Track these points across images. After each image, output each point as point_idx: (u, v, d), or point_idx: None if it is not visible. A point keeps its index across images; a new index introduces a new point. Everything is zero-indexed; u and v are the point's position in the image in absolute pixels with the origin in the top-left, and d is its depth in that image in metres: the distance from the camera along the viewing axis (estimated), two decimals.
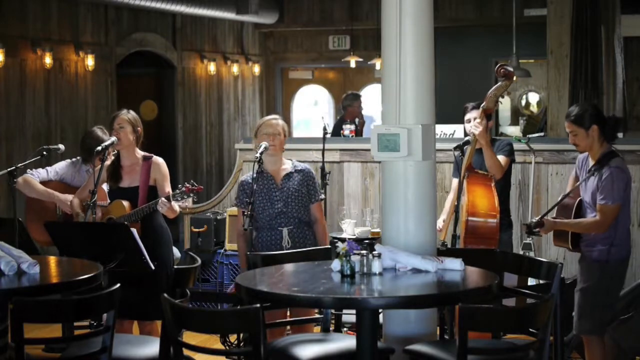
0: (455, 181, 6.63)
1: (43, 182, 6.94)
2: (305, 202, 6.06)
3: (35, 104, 10.10)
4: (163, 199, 5.85)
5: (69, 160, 7.11)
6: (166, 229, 6.08)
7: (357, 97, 11.78)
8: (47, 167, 7.05)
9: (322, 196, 6.19)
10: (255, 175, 6.14)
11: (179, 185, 5.92)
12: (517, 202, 7.78)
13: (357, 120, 11.20)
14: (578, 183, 5.77)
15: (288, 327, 6.23)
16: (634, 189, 7.57)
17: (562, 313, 5.47)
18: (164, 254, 5.96)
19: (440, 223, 6.48)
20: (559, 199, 5.95)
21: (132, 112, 6.18)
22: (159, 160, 6.10)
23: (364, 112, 11.75)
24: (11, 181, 6.27)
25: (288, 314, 6.15)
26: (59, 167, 7.05)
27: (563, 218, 5.78)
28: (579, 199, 5.77)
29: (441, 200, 6.79)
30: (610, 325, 5.84)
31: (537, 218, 5.72)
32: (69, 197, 6.68)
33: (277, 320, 5.43)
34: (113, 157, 6.21)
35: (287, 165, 6.14)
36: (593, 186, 5.62)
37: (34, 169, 6.99)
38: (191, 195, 5.85)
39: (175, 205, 5.88)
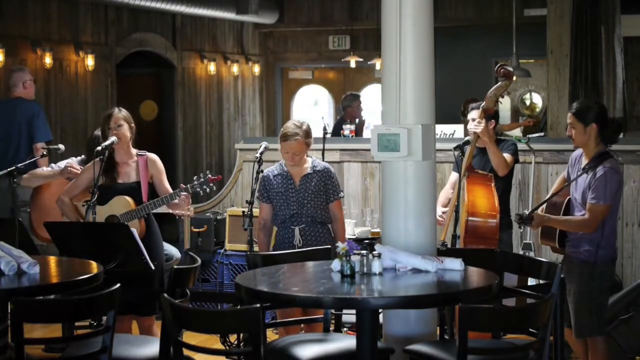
0: (454, 175, 6.62)
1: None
2: (321, 202, 6.05)
3: None
4: (182, 191, 5.90)
5: (74, 158, 7.13)
6: (156, 227, 6.12)
7: (356, 98, 11.79)
8: (52, 164, 7.06)
9: (342, 194, 6.21)
10: (256, 175, 6.16)
11: (200, 174, 5.99)
12: (517, 202, 7.77)
13: (357, 120, 11.24)
14: (570, 182, 5.76)
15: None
16: (633, 188, 7.58)
17: (562, 313, 5.47)
18: (157, 252, 6.00)
19: (440, 212, 6.46)
20: (548, 196, 5.93)
21: (123, 110, 6.20)
22: (154, 156, 6.13)
23: (363, 113, 11.79)
24: (11, 181, 6.27)
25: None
26: (64, 165, 7.05)
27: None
28: (568, 197, 5.76)
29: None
30: (610, 325, 5.84)
31: (527, 212, 5.71)
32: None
33: (277, 320, 5.43)
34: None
35: (308, 165, 6.12)
36: (585, 184, 5.59)
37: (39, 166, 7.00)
38: (212, 185, 5.97)
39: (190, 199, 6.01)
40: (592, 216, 5.52)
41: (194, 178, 6.02)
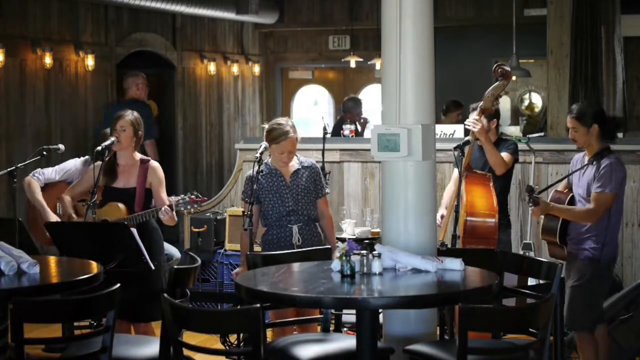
0: (456, 172, 6.62)
1: (49, 183, 6.95)
2: (313, 198, 6.06)
3: (35, 104, 10.09)
4: (166, 207, 5.86)
5: (79, 159, 7.11)
6: (157, 229, 6.10)
7: (358, 103, 11.82)
8: (56, 167, 7.05)
9: (328, 190, 6.23)
10: (255, 174, 6.15)
11: (182, 195, 5.94)
12: (517, 202, 7.78)
13: (361, 119, 11.30)
14: (571, 173, 5.82)
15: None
16: (633, 188, 7.58)
17: (562, 313, 5.48)
18: (156, 255, 5.97)
19: (438, 219, 6.46)
20: (552, 183, 6.03)
21: (135, 114, 6.18)
22: (155, 164, 6.14)
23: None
24: (11, 181, 6.26)
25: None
26: (68, 167, 7.04)
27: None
28: (571, 195, 5.81)
29: (441, 200, 6.79)
30: (610, 325, 5.85)
31: (536, 190, 5.77)
32: (54, 217, 6.66)
33: (278, 320, 5.44)
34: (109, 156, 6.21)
35: (294, 162, 6.12)
36: (589, 177, 5.68)
37: (41, 169, 6.97)
38: (195, 205, 5.94)
39: (175, 215, 5.92)
40: (597, 205, 5.60)
41: (180, 196, 5.98)
